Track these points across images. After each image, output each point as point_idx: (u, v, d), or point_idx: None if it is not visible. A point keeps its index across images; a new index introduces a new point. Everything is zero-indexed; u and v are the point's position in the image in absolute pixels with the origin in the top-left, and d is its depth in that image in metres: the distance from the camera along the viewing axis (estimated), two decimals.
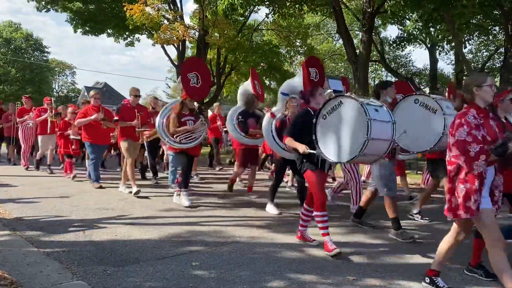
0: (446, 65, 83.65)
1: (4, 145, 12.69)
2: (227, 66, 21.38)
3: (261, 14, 45.94)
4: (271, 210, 6.31)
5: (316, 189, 4.42)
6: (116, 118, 7.76)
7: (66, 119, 9.78)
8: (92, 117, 7.97)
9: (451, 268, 3.89)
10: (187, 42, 20.77)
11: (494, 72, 20.33)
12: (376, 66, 26.53)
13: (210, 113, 12.89)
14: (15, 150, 12.25)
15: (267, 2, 14.95)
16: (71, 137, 9.42)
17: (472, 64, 22.24)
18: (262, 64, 21.35)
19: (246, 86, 7.94)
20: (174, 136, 6.64)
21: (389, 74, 24.97)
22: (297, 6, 16.71)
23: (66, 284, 3.32)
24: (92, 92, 8.80)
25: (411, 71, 25.14)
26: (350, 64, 16.78)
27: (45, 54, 47.91)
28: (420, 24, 15.33)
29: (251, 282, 3.51)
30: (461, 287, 3.58)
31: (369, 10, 14.83)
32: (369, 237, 5.10)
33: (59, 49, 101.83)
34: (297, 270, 3.83)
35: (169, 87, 45.76)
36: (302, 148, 4.31)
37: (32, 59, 45.35)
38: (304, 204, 4.80)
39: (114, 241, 4.60)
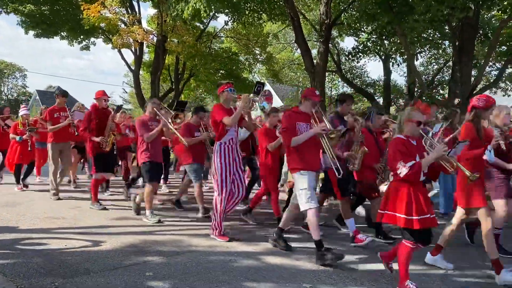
0: (399, 77, 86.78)
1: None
2: (185, 72, 21.23)
3: (220, 21, 46.11)
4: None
5: None
6: None
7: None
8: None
9: None
10: (144, 47, 20.46)
11: (444, 84, 21.29)
12: (333, 76, 27.11)
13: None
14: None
15: (227, 10, 14.98)
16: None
17: (423, 76, 23.19)
18: (221, 71, 21.35)
19: None
20: None
21: (345, 84, 25.58)
22: (256, 15, 16.85)
23: None
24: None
25: (366, 82, 25.87)
26: (308, 73, 17.07)
27: None
28: (374, 36, 15.84)
29: None
30: None
31: (326, 21, 15.17)
32: (325, 244, 5.16)
33: (12, 51, 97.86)
34: (253, 278, 3.82)
35: (126, 92, 44.85)
36: None
37: None
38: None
39: (64, 251, 4.41)
